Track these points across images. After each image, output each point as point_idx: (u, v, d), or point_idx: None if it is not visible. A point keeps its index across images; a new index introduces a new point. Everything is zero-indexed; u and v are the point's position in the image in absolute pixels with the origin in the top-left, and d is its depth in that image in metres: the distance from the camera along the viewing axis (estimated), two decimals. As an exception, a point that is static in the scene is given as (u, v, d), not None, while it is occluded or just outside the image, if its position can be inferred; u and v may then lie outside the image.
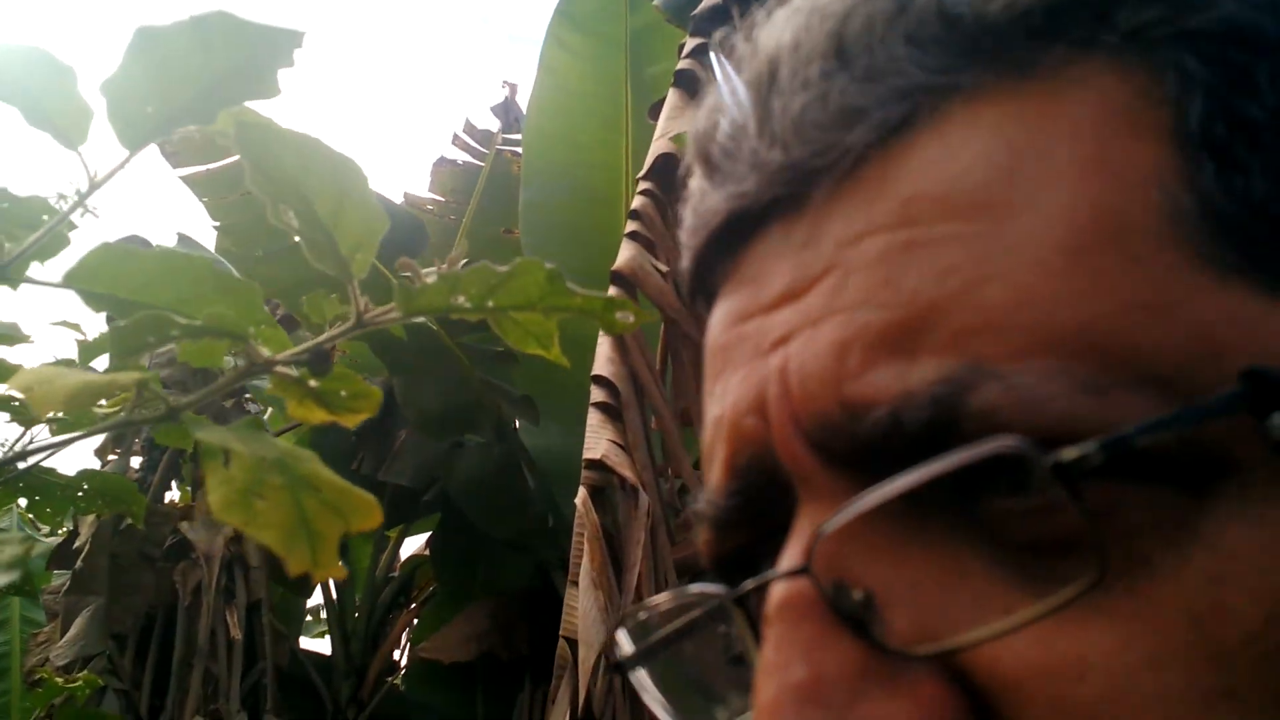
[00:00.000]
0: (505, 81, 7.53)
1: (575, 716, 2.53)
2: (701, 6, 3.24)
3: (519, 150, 5.36)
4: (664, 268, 2.87)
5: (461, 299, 0.87)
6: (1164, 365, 0.30)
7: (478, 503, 4.87)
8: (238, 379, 0.84)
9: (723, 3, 3.28)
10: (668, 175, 2.99)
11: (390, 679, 5.63)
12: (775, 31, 0.40)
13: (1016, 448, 0.29)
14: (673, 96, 3.20)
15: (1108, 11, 0.35)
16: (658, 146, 3.07)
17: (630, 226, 2.97)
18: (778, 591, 0.33)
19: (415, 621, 5.79)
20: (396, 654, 5.76)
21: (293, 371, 0.89)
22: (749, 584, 0.36)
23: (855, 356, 0.33)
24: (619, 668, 0.39)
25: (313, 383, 0.90)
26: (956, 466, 0.30)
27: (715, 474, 0.38)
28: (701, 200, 0.41)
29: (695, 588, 0.39)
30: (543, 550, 5.02)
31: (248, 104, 1.07)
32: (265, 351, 0.89)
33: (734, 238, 0.39)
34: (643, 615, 0.40)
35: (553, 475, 4.79)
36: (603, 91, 4.85)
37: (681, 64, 3.18)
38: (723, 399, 0.38)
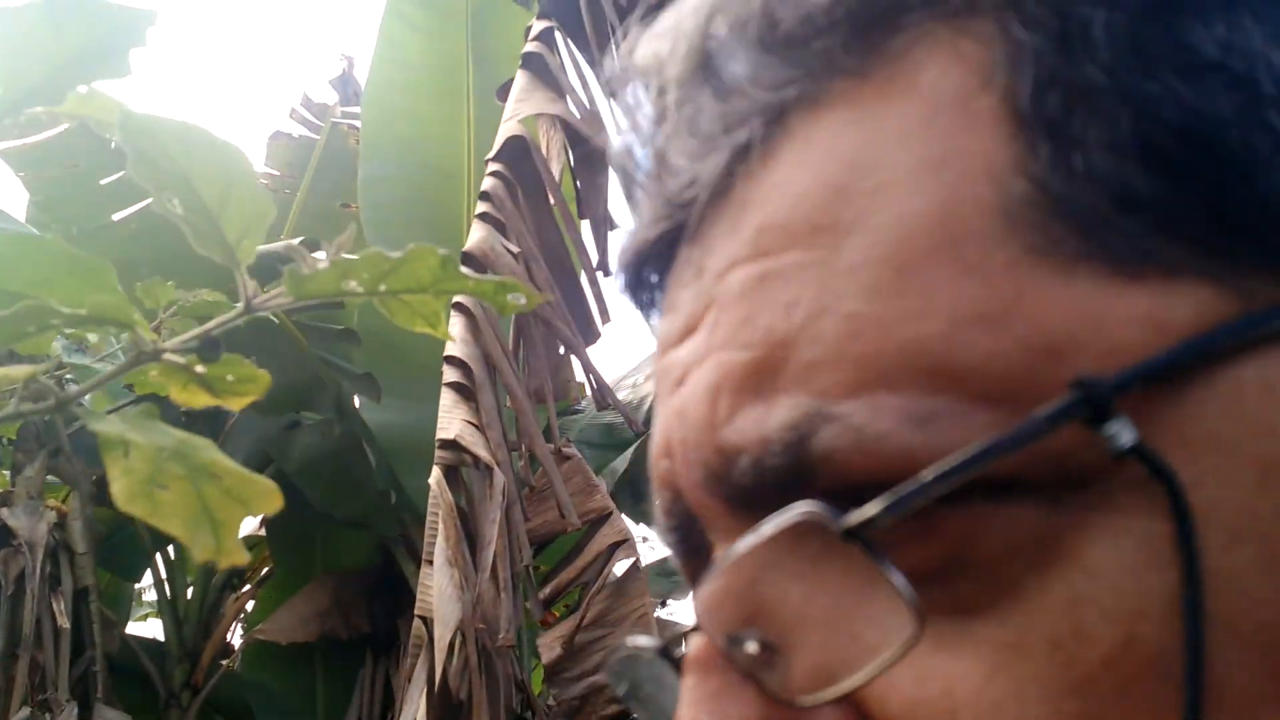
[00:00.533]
0: (343, 54, 7.36)
1: (432, 695, 2.55)
2: (550, -12, 3.25)
3: (357, 124, 5.27)
4: (515, 249, 2.89)
5: (353, 284, 0.89)
6: (999, 380, 0.28)
7: (316, 481, 4.80)
8: (129, 367, 0.84)
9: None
10: (517, 157, 3.00)
11: (226, 662, 5.51)
12: (648, 49, 0.38)
13: (812, 514, 0.28)
14: (521, 78, 3.20)
15: None
16: (507, 128, 3.08)
17: (481, 208, 2.97)
18: (690, 643, 0.32)
19: (251, 603, 5.66)
20: (231, 636, 5.63)
21: (179, 359, 0.89)
22: (660, 643, 0.36)
23: (724, 401, 0.32)
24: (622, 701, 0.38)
25: (200, 368, 0.91)
26: (769, 536, 0.29)
27: (656, 509, 0.38)
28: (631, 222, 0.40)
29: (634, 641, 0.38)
30: (384, 527, 4.98)
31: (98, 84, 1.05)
32: (149, 338, 0.89)
33: (657, 261, 0.38)
34: (623, 659, 0.38)
35: (396, 451, 4.75)
36: (444, 65, 4.80)
37: (529, 46, 3.18)
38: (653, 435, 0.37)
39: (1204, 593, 0.26)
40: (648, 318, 0.40)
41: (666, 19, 0.38)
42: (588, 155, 3.10)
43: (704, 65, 0.35)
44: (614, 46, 3.68)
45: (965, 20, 0.31)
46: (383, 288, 0.91)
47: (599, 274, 3.12)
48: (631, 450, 5.54)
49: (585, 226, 3.18)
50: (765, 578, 0.31)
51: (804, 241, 0.31)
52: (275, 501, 0.81)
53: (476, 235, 2.92)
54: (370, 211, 4.68)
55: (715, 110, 0.35)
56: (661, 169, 0.37)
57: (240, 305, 0.87)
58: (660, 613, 4.41)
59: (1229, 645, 0.26)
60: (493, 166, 3.08)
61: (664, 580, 5.86)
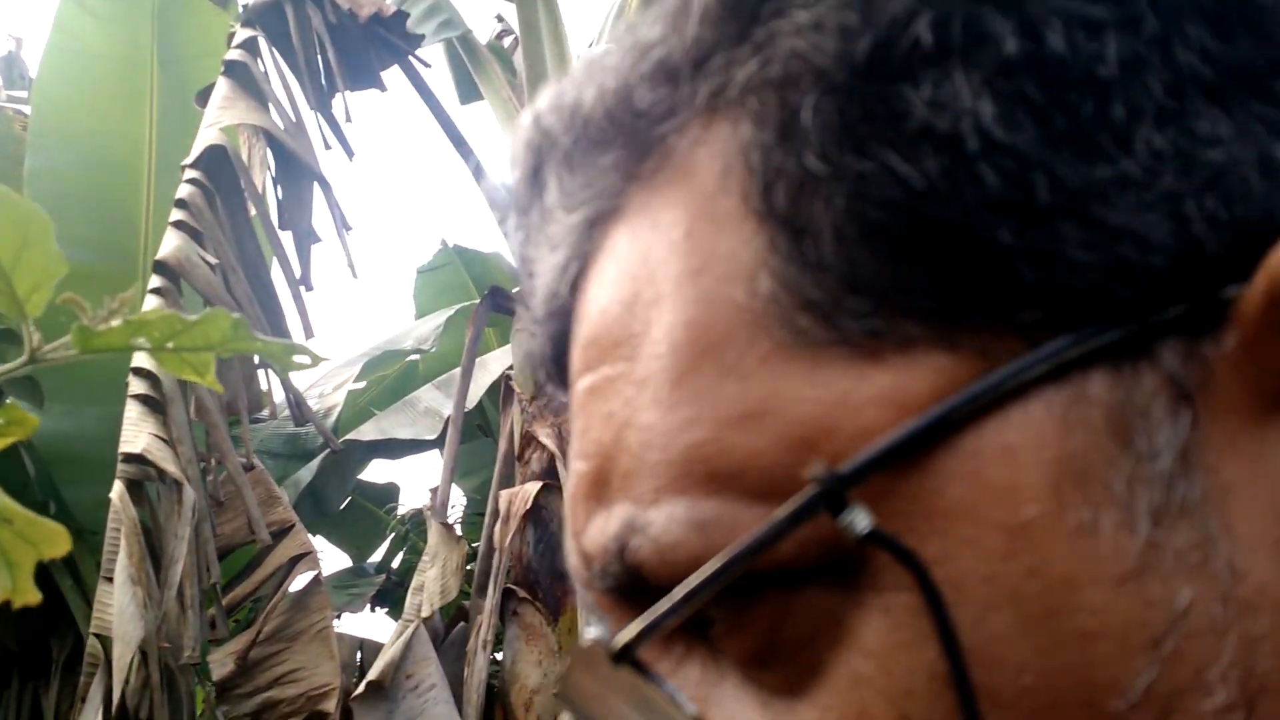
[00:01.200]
0: (10, 33, 6.80)
1: (109, 714, 2.49)
2: (256, 0, 3.21)
3: (24, 109, 4.93)
4: (213, 260, 2.86)
5: (142, 340, 0.95)
6: (764, 477, 0.29)
7: (-40, 490, 4.46)
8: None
9: (272, 0, 3.28)
10: (217, 165, 2.96)
11: None
12: (514, 146, 0.38)
13: (595, 640, 0.30)
14: (223, 85, 3.16)
15: (696, 74, 0.32)
16: (207, 135, 3.03)
17: (176, 215, 2.91)
18: None
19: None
20: None
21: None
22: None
23: (580, 510, 0.33)
24: None
25: (-25, 413, 0.94)
26: (585, 648, 0.30)
27: None
28: None
29: None
30: (39, 540, 4.67)
31: None
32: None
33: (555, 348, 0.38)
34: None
35: (57, 460, 4.49)
36: (126, 58, 4.59)
37: (232, 54, 3.15)
38: None
39: (966, 665, 0.26)
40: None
41: (522, 123, 0.38)
42: (291, 167, 3.10)
43: (533, 181, 0.36)
44: (321, 61, 3.69)
45: (709, 116, 0.32)
46: (171, 345, 0.97)
47: (301, 288, 3.12)
48: (317, 461, 5.48)
49: (288, 239, 3.18)
50: (660, 657, 0.32)
51: (610, 355, 0.32)
52: (64, 544, 0.86)
53: (172, 243, 2.87)
54: (38, 204, 4.40)
55: (543, 229, 0.36)
56: (527, 278, 0.38)
57: (24, 356, 0.91)
58: (338, 626, 4.39)
59: (995, 713, 0.26)
60: (190, 173, 3.03)
61: (342, 593, 5.82)
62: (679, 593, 0.28)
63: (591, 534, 0.32)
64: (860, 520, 0.27)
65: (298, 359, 0.93)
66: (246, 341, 0.92)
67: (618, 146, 0.33)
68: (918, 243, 0.28)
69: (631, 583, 0.31)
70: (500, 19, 5.99)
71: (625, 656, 0.29)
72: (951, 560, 0.27)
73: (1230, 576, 0.27)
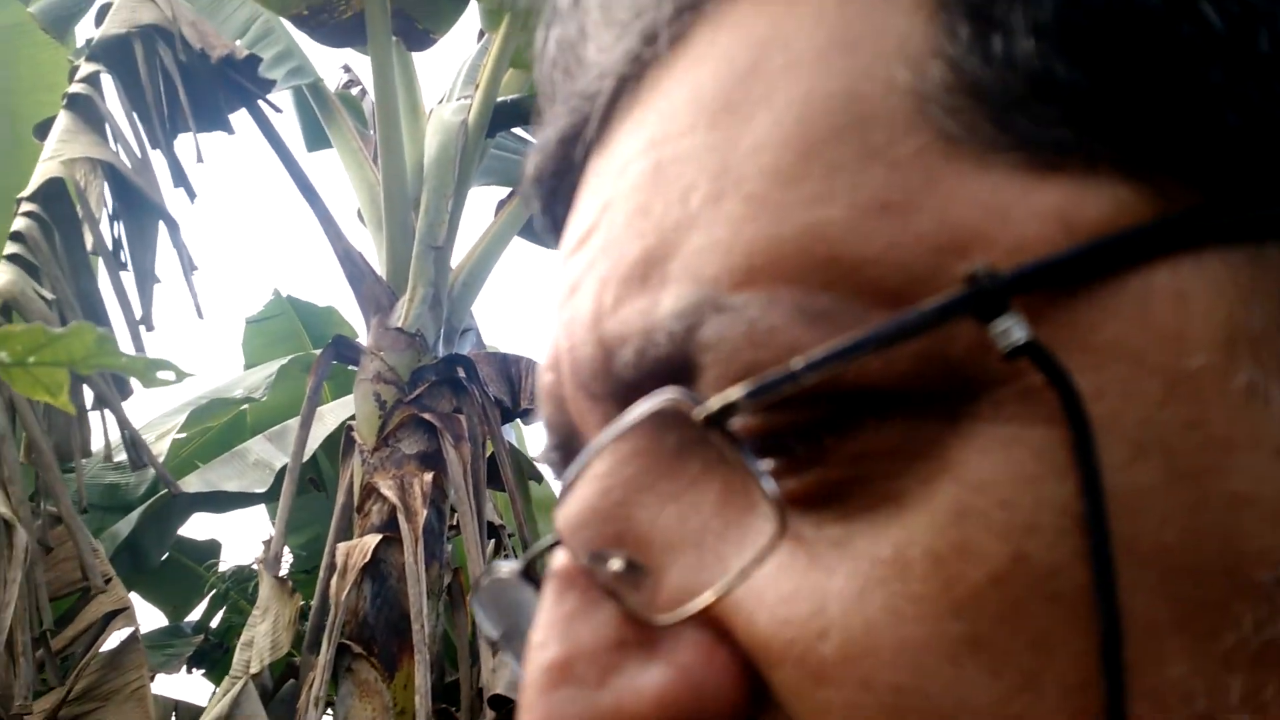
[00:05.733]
0: None
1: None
2: (102, 35, 3.12)
3: None
4: (49, 295, 2.75)
5: (3, 354, 0.94)
6: (898, 274, 0.26)
7: None
8: None
9: (120, 36, 3.19)
10: (55, 199, 2.86)
11: None
12: None
13: (674, 400, 0.27)
14: (64, 119, 3.06)
15: None
16: (47, 169, 2.92)
17: (11, 248, 2.80)
18: (552, 559, 0.30)
19: None
20: None
21: None
22: (520, 565, 0.35)
23: (610, 292, 0.30)
24: (495, 644, 0.38)
25: None
26: (631, 425, 0.28)
27: (542, 427, 0.36)
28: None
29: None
30: None
31: None
32: None
33: (564, 175, 0.36)
34: (488, 588, 0.36)
35: None
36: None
37: (75, 87, 3.06)
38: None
39: (1105, 508, 0.25)
40: (558, 240, 0.37)
41: None
42: (136, 205, 3.02)
43: None
44: (167, 100, 3.60)
45: None
46: (31, 359, 0.96)
47: (141, 327, 3.03)
48: (137, 514, 5.24)
49: (128, 278, 3.08)
50: (635, 500, 0.29)
51: (708, 122, 0.30)
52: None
53: (5, 276, 2.75)
54: None
55: (605, 7, 0.33)
56: (575, 65, 0.35)
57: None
58: (153, 687, 4.20)
59: (1129, 567, 0.25)
60: (26, 206, 2.92)
61: (157, 653, 5.56)
62: (799, 361, 0.25)
63: (626, 315, 0.29)
64: (1017, 330, 0.25)
65: (162, 374, 0.94)
66: (112, 356, 0.93)
67: None
68: (1126, 61, 0.27)
69: (672, 371, 0.28)
70: (347, 69, 5.97)
71: (720, 420, 0.26)
72: (1103, 398, 0.25)
73: None
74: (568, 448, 0.34)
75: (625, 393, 0.29)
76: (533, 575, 0.35)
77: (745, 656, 0.27)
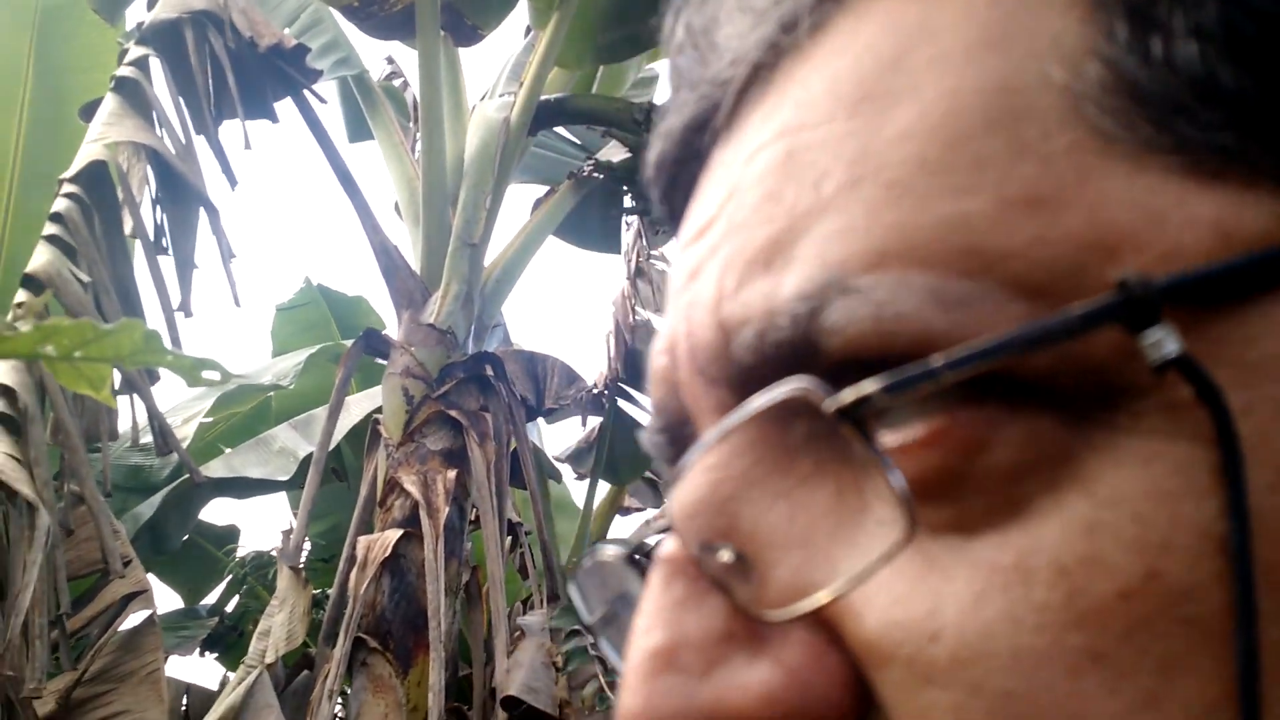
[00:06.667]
0: None
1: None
2: (153, 19, 3.13)
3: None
4: (86, 278, 2.75)
5: (50, 348, 0.93)
6: (1042, 271, 0.25)
7: None
8: None
9: (171, 21, 3.19)
10: (97, 182, 2.86)
11: None
12: None
13: (804, 390, 0.26)
14: (111, 102, 3.06)
15: None
16: (90, 151, 2.93)
17: (50, 229, 2.80)
18: (661, 545, 0.30)
19: None
20: None
21: None
22: (627, 549, 0.34)
23: (733, 276, 0.29)
24: (589, 630, 0.36)
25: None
26: (755, 412, 0.27)
27: (650, 410, 0.36)
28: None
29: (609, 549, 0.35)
30: None
31: None
32: None
33: (689, 163, 0.36)
34: (589, 570, 0.36)
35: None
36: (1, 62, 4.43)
37: (123, 70, 3.05)
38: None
39: (1250, 532, 0.23)
40: (676, 229, 0.37)
41: None
42: (177, 191, 3.02)
43: None
44: (214, 86, 3.60)
45: None
46: (78, 354, 0.95)
47: (179, 313, 3.02)
48: (159, 496, 5.26)
49: (167, 263, 3.08)
50: (746, 495, 0.28)
51: (847, 111, 0.29)
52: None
53: (43, 257, 2.76)
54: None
55: None
56: (708, 50, 0.34)
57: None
58: (167, 669, 4.21)
59: (1267, 594, 0.24)
60: (68, 187, 2.92)
61: (172, 635, 5.57)
62: (940, 359, 0.25)
63: (748, 297, 0.29)
64: (1169, 343, 0.24)
65: (207, 374, 0.92)
66: (158, 354, 0.91)
67: None
68: None
69: (793, 354, 0.27)
70: (390, 60, 5.97)
71: (854, 414, 0.25)
72: (1252, 417, 0.24)
73: None
74: (675, 432, 0.34)
75: (743, 378, 0.29)
76: (636, 560, 0.34)
77: (854, 661, 0.27)
